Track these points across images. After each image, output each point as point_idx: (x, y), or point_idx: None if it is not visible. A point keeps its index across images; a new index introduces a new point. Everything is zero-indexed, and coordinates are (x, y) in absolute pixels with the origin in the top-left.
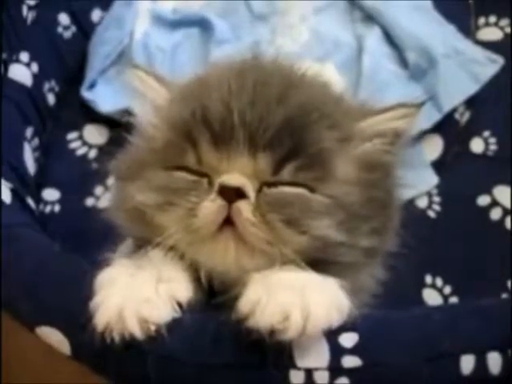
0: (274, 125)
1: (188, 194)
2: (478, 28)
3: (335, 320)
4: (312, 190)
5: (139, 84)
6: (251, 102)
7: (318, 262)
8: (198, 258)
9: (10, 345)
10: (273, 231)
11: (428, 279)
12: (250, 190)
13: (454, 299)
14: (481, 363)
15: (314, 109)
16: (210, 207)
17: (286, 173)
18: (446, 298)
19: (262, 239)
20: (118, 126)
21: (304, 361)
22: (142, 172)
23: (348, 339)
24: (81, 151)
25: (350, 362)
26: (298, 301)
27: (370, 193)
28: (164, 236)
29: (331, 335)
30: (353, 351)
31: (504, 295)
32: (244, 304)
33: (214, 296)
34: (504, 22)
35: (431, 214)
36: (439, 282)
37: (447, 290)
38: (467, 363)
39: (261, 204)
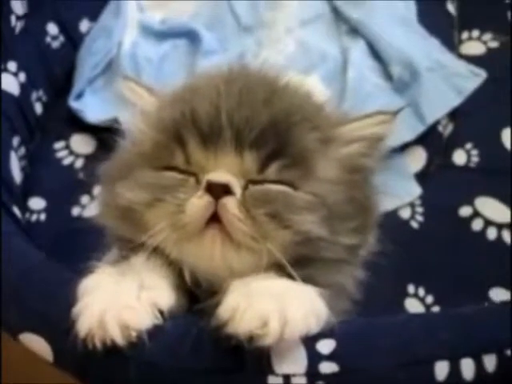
0: (259, 125)
1: (176, 191)
2: (461, 42)
3: (313, 327)
4: (295, 187)
5: (129, 94)
6: (238, 104)
7: (301, 259)
8: (183, 258)
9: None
10: (258, 226)
11: (410, 289)
12: (237, 186)
13: (436, 309)
14: (454, 369)
15: (297, 112)
16: (198, 203)
17: (271, 171)
18: (428, 307)
19: (247, 235)
20: (105, 136)
21: (282, 366)
22: (131, 172)
23: (325, 345)
24: (67, 160)
25: (327, 367)
26: (276, 307)
27: (350, 193)
28: (151, 232)
29: (309, 341)
30: (330, 357)
31: (485, 304)
32: (224, 310)
33: (196, 302)
34: (487, 36)
35: (414, 224)
36: (421, 291)
37: (429, 299)
38: (441, 369)
39: (246, 200)
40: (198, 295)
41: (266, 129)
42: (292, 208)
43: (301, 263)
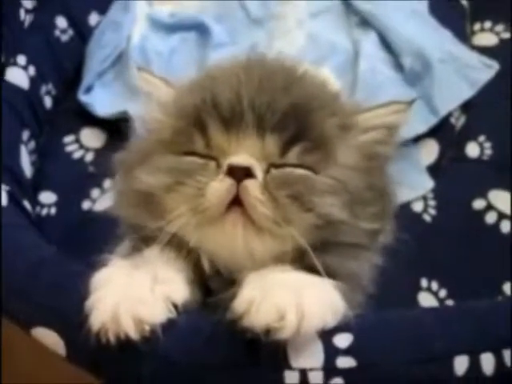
0: (280, 110)
1: (197, 175)
2: (473, 33)
3: (330, 320)
4: (316, 172)
5: (145, 84)
6: (259, 90)
7: (321, 246)
8: (203, 244)
9: (6, 346)
10: (280, 209)
11: (424, 283)
12: (258, 169)
13: (449, 302)
14: (474, 364)
15: (316, 99)
16: (219, 187)
17: (292, 155)
18: (441, 301)
19: (269, 218)
20: (115, 130)
21: (298, 361)
22: (149, 159)
23: (342, 340)
24: (77, 154)
25: (345, 362)
26: (293, 300)
27: (369, 180)
28: (171, 217)
29: (325, 336)
30: (347, 352)
31: (499, 298)
32: (239, 303)
33: (211, 296)
34: (499, 27)
35: (427, 217)
36: (435, 285)
37: (443, 293)
38: (460, 364)
39: (268, 183)
40: (212, 289)
41: (287, 113)
42: (313, 190)
43: (320, 250)
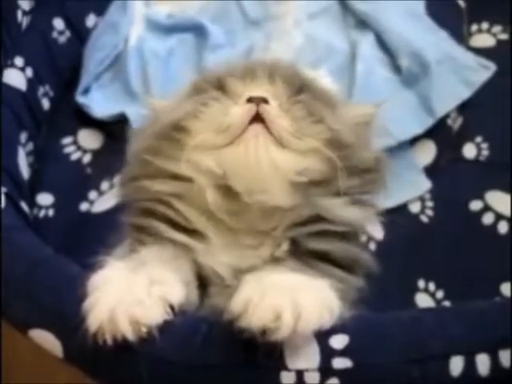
0: (286, 71)
1: (220, 99)
2: (470, 34)
3: (326, 320)
4: None
5: (156, 103)
6: (268, 62)
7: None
8: (223, 165)
9: (7, 345)
10: (296, 123)
11: (421, 284)
12: (273, 100)
13: (446, 304)
14: (470, 365)
15: (312, 78)
16: (241, 108)
17: (300, 100)
18: (438, 302)
19: (288, 131)
20: (113, 131)
21: (295, 362)
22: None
23: (338, 341)
24: (75, 156)
25: (341, 363)
26: (289, 301)
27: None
28: (197, 136)
29: (322, 337)
30: (343, 353)
31: (497, 299)
32: (236, 304)
33: (207, 295)
34: (496, 28)
35: (424, 218)
36: (432, 286)
37: (440, 294)
38: (456, 365)
39: (283, 106)
40: (208, 286)
41: (292, 74)
42: (323, 108)
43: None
